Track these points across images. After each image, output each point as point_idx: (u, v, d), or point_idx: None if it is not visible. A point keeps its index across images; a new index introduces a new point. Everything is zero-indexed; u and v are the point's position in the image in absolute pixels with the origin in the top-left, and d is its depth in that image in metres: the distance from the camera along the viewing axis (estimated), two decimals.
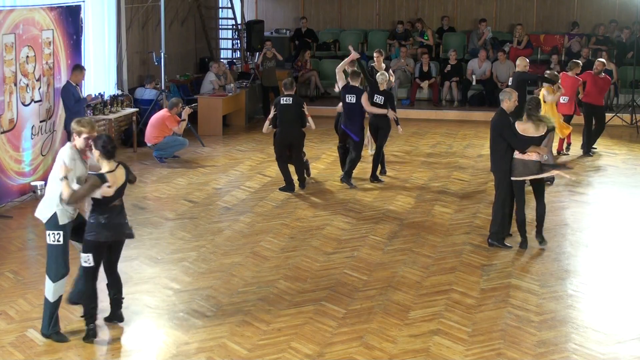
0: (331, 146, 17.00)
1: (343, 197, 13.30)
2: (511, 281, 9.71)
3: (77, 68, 13.68)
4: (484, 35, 22.55)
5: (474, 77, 21.41)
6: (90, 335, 8.01)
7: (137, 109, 16.89)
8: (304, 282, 9.63)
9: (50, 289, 8.03)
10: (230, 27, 23.82)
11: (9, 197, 12.60)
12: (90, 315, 8.05)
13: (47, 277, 8.04)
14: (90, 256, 7.92)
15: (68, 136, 13.57)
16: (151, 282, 9.54)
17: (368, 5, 24.60)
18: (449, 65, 21.79)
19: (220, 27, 23.80)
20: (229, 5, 23.27)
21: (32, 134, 13.00)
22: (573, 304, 9.09)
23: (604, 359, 7.77)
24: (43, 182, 13.15)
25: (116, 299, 8.38)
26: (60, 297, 8.12)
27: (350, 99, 13.72)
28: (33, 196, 12.96)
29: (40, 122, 13.22)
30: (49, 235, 8.01)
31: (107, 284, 8.36)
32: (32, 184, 13.03)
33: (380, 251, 10.78)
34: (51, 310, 8.07)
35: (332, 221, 12.04)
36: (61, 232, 7.99)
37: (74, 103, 13.45)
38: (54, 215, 7.97)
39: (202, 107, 18.44)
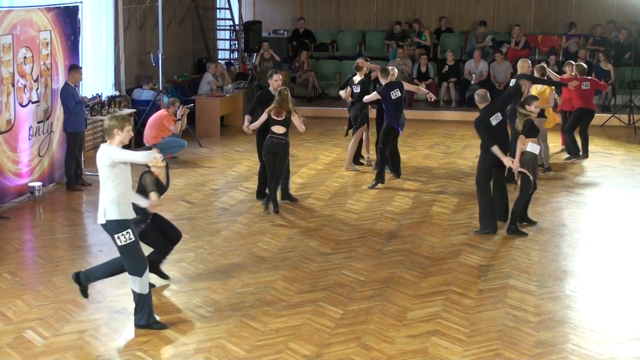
0: (329, 147, 17.01)
1: (341, 198, 13.30)
2: (509, 282, 9.71)
3: (74, 68, 13.66)
4: (485, 43, 22.56)
5: (473, 75, 21.40)
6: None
7: (134, 110, 16.88)
8: (302, 282, 9.63)
9: (139, 284, 8.14)
10: (228, 27, 23.81)
11: (7, 198, 12.59)
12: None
13: (132, 277, 8.11)
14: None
15: (68, 138, 13.59)
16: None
17: (366, 6, 24.59)
18: (447, 66, 21.79)
19: (218, 27, 23.78)
20: (227, 6, 23.26)
21: (29, 134, 13.00)
22: (571, 304, 9.10)
23: None
24: (41, 183, 13.17)
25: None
26: (149, 285, 8.26)
27: (395, 94, 13.73)
28: (31, 197, 12.95)
29: (38, 123, 13.21)
30: (118, 238, 8.04)
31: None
32: (30, 185, 13.02)
33: (378, 252, 10.78)
34: (147, 302, 8.22)
35: (330, 222, 12.04)
36: (129, 230, 8.06)
37: (75, 104, 13.44)
38: (116, 219, 8.04)
39: (199, 107, 18.44)
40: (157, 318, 8.37)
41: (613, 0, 23.14)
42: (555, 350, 7.95)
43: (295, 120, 12.27)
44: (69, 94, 13.45)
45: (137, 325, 8.26)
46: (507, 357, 7.80)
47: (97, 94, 16.01)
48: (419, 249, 10.90)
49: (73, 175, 13.66)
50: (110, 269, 8.60)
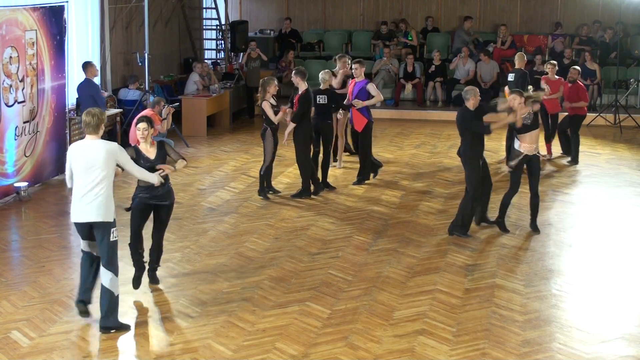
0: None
1: (327, 198, 13.30)
2: (495, 281, 9.74)
3: (89, 64, 14.36)
4: (474, 36, 22.65)
5: (459, 68, 21.45)
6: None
7: (120, 110, 16.84)
8: (289, 282, 9.63)
9: (116, 283, 8.19)
10: (215, 27, 23.79)
11: None
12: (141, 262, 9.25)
13: (110, 274, 8.15)
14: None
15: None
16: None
17: (352, 6, 24.60)
18: (433, 66, 21.81)
19: (204, 27, 23.76)
20: (213, 6, 23.24)
21: (15, 134, 12.95)
22: (557, 303, 9.13)
23: (588, 358, 7.81)
24: (27, 184, 13.12)
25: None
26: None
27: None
28: (16, 197, 12.91)
29: (24, 123, 13.16)
30: (112, 232, 8.18)
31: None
32: (16, 185, 12.98)
33: (365, 251, 10.79)
34: (117, 302, 8.25)
35: (317, 221, 12.04)
36: (116, 227, 8.27)
37: (102, 97, 14.27)
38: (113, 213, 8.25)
39: (186, 107, 18.41)
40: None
41: (599, 0, 23.23)
42: (541, 349, 7.98)
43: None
44: (96, 88, 14.11)
45: (106, 327, 8.21)
46: (494, 356, 7.82)
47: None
48: (406, 248, 10.91)
49: None
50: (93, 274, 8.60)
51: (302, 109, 12.91)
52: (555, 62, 16.49)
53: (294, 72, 13.33)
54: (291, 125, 13.02)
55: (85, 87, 14.18)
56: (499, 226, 11.57)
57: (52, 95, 13.93)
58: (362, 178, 14.19)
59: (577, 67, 16.26)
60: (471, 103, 11.12)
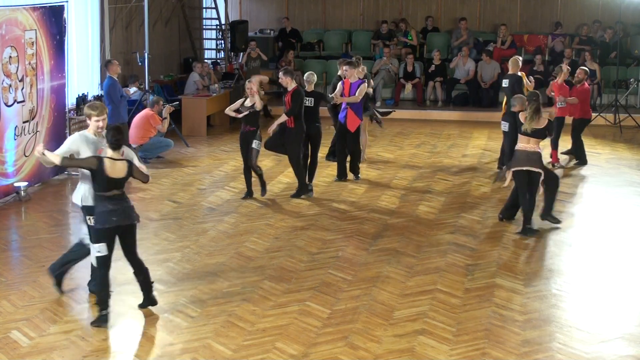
0: None
1: (327, 198, 13.30)
2: (495, 281, 9.73)
3: (111, 62, 14.62)
4: (463, 37, 22.61)
5: (458, 68, 21.46)
6: (101, 321, 8.31)
7: None
8: (289, 282, 9.63)
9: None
10: (214, 27, 23.80)
11: None
12: (103, 301, 8.35)
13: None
14: (102, 245, 8.27)
15: None
16: (135, 283, 9.45)
17: (352, 6, 24.61)
18: (433, 65, 21.82)
19: (204, 27, 23.77)
20: (213, 6, 23.25)
21: (15, 134, 12.95)
22: (557, 303, 9.12)
23: (588, 358, 7.80)
24: (27, 183, 13.12)
25: (145, 282, 8.71)
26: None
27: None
28: (16, 197, 12.90)
29: (24, 122, 13.16)
30: (89, 219, 8.54)
31: (133, 272, 8.68)
32: (16, 185, 12.97)
33: (365, 251, 10.78)
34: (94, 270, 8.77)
35: (317, 221, 12.04)
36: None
37: (120, 97, 14.25)
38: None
39: (186, 107, 18.41)
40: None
41: (598, 0, 23.23)
42: (541, 349, 7.97)
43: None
44: (116, 87, 14.22)
45: (91, 291, 8.96)
46: (494, 356, 7.82)
47: (82, 94, 15.94)
48: (406, 248, 10.91)
49: None
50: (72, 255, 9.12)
51: (296, 105, 12.89)
52: (568, 67, 16.10)
53: (282, 72, 13.13)
54: (283, 117, 13.00)
55: (109, 86, 14.43)
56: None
57: (51, 95, 13.93)
58: (357, 175, 14.43)
59: (585, 68, 16.13)
60: (517, 109, 11.55)
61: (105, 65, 14.66)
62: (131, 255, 8.61)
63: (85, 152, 8.41)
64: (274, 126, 13.19)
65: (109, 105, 14.14)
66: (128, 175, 8.37)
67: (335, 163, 14.70)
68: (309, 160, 13.66)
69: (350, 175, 14.41)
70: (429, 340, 8.10)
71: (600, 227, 11.93)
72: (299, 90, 13.06)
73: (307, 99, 13.30)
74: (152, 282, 8.80)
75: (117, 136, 8.23)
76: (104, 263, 8.35)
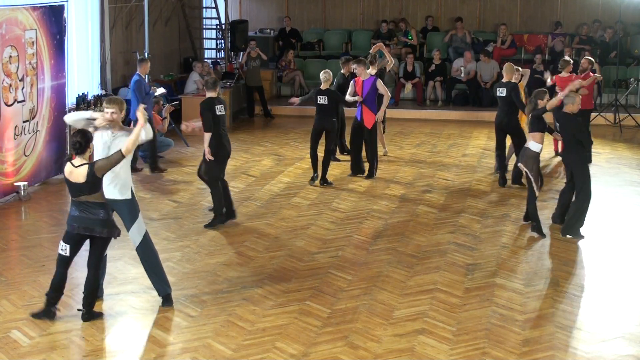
0: None
1: (327, 197, 13.30)
2: (495, 280, 9.73)
3: (144, 60, 14.76)
4: (460, 34, 22.64)
5: (462, 69, 21.42)
6: (44, 315, 8.34)
7: None
8: (289, 282, 9.63)
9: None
10: (214, 27, 23.79)
11: None
12: (52, 298, 8.39)
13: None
14: (67, 246, 8.27)
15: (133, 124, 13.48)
16: (135, 282, 9.51)
17: (352, 5, 24.61)
18: (433, 65, 21.83)
19: (204, 27, 23.77)
20: (213, 5, 23.24)
21: (15, 134, 12.95)
22: (557, 303, 9.11)
23: (588, 358, 7.80)
24: (26, 183, 13.12)
25: (86, 298, 8.43)
26: None
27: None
28: (16, 197, 12.90)
29: (24, 122, 13.16)
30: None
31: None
32: (16, 184, 12.97)
33: (365, 251, 10.79)
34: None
35: (317, 221, 12.04)
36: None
37: (144, 95, 14.31)
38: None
39: (186, 107, 18.41)
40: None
41: (598, 0, 23.23)
42: (541, 349, 7.97)
43: None
44: (141, 85, 14.33)
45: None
46: (494, 355, 7.82)
47: (83, 93, 15.93)
48: (406, 247, 10.91)
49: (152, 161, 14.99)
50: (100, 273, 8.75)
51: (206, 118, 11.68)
52: (569, 59, 16.04)
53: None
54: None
55: (134, 83, 14.54)
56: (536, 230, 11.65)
57: (51, 94, 13.93)
58: (370, 174, 14.43)
59: (590, 57, 16.19)
60: (569, 109, 11.27)
61: (138, 62, 14.77)
62: (89, 264, 8.39)
63: (96, 149, 8.60)
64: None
65: (135, 101, 14.20)
66: (89, 182, 8.04)
67: (335, 163, 14.69)
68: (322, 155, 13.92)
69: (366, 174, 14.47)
70: (429, 340, 8.10)
71: (600, 227, 11.92)
72: (208, 99, 11.74)
73: (322, 97, 13.62)
74: (91, 304, 8.43)
75: (77, 139, 8.06)
76: (62, 262, 8.32)
